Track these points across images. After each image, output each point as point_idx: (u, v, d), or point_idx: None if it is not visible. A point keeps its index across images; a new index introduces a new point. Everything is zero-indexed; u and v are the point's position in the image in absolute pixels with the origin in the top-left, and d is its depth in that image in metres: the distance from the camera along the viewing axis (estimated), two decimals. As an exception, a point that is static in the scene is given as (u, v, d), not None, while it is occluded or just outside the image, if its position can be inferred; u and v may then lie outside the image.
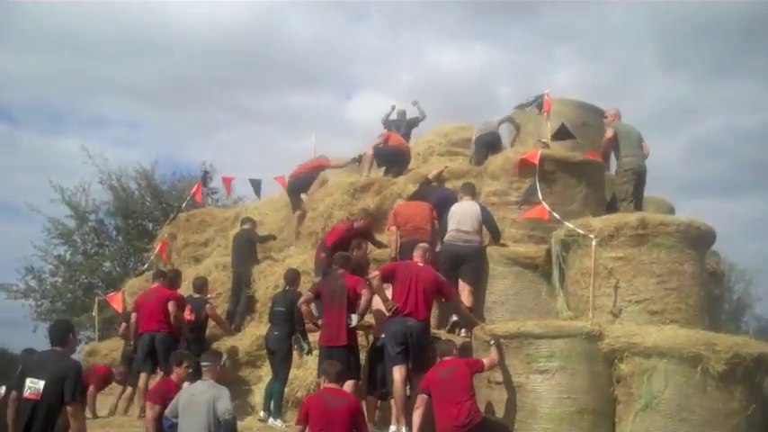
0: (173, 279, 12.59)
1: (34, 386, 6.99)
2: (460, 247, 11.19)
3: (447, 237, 11.34)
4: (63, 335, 7.39)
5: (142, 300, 12.17)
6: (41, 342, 24.48)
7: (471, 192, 11.87)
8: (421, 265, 9.91)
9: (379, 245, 12.64)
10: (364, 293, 9.77)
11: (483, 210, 11.51)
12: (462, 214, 11.37)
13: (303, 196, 15.27)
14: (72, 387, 6.96)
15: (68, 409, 6.95)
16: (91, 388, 12.04)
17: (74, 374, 7.05)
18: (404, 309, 9.41)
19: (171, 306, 11.70)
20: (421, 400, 8.88)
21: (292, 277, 11.22)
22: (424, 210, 11.82)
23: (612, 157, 12.77)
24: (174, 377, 9.03)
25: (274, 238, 14.61)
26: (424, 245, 10.44)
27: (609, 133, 12.47)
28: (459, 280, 11.02)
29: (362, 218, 12.44)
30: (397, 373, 9.21)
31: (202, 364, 8.24)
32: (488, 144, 14.22)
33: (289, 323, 10.73)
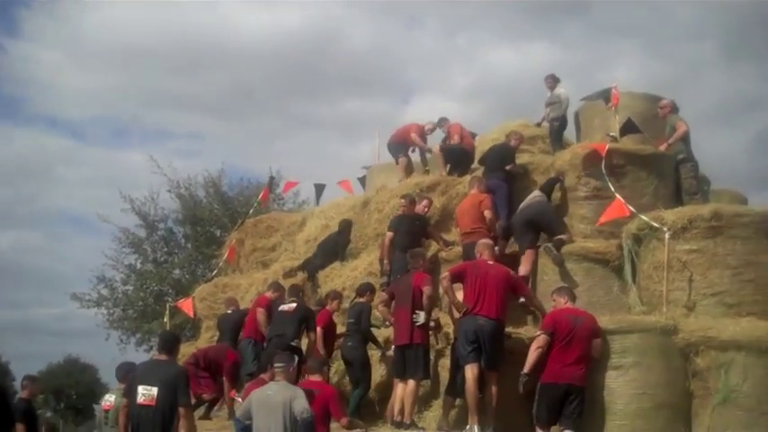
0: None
1: (148, 393, 7.59)
2: (524, 208, 11.54)
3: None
4: (173, 345, 8.21)
5: None
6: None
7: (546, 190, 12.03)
8: (491, 263, 9.83)
9: (446, 243, 12.62)
10: (425, 290, 9.78)
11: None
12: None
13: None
14: (184, 391, 7.66)
15: (181, 410, 7.53)
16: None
17: (184, 380, 7.79)
18: (474, 308, 9.32)
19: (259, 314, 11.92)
20: (543, 339, 9.00)
21: (361, 290, 11.38)
22: (473, 207, 11.74)
23: None
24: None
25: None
26: (486, 241, 10.39)
27: (684, 127, 12.36)
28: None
29: (405, 205, 12.42)
30: (470, 371, 9.13)
31: (275, 365, 8.28)
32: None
33: (360, 333, 10.95)
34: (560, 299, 9.42)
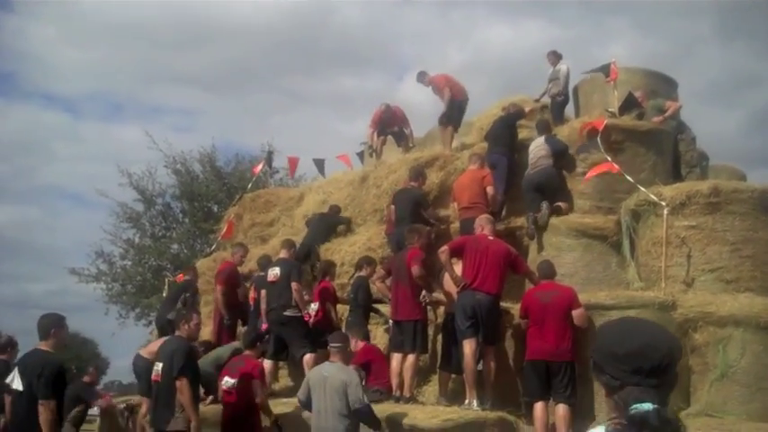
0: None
1: (157, 369, 8.33)
2: (532, 175, 11.55)
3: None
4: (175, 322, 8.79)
5: None
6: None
7: (544, 129, 12.12)
8: (491, 238, 9.81)
9: (435, 219, 12.56)
10: (413, 270, 9.74)
11: (548, 140, 11.82)
12: (531, 151, 11.80)
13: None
14: (178, 364, 8.06)
15: (176, 383, 8.00)
16: (218, 288, 12.53)
17: (180, 353, 8.16)
18: (473, 282, 9.31)
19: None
20: (523, 324, 9.26)
21: (359, 263, 11.37)
22: (474, 182, 11.73)
23: None
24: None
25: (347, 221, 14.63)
26: (487, 216, 10.36)
27: (677, 103, 12.38)
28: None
29: (414, 178, 12.38)
30: (468, 346, 9.14)
31: (330, 345, 8.20)
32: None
33: (360, 308, 10.94)
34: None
